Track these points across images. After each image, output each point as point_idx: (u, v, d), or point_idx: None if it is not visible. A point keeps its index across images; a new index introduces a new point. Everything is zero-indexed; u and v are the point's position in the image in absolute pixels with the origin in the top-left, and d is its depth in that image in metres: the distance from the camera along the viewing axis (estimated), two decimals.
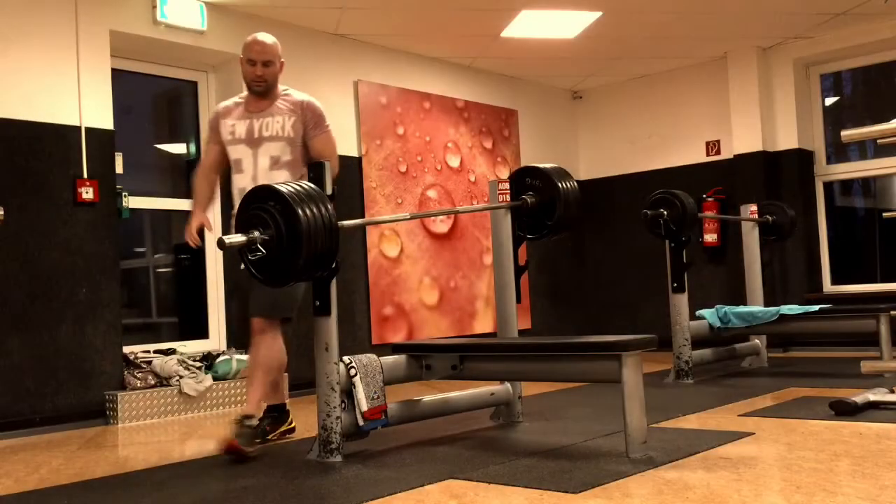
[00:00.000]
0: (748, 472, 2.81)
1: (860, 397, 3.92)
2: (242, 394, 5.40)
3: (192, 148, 6.06)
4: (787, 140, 7.39)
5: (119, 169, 5.20)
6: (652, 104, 8.18)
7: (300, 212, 3.00)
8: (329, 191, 3.35)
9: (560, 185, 4.12)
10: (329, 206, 3.11)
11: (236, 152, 3.88)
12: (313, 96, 6.50)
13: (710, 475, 2.79)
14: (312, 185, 3.17)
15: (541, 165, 4.25)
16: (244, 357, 5.56)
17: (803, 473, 2.76)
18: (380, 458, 3.40)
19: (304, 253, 3.00)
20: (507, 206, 4.16)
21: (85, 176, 4.99)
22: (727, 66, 7.57)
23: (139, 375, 5.05)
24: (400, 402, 3.76)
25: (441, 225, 7.07)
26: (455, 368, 3.75)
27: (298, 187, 3.11)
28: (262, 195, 3.11)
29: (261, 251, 3.04)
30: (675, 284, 5.55)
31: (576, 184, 4.22)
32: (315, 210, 3.04)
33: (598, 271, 8.50)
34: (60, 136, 4.93)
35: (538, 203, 4.17)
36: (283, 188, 3.07)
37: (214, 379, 5.25)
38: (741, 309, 5.90)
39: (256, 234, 3.05)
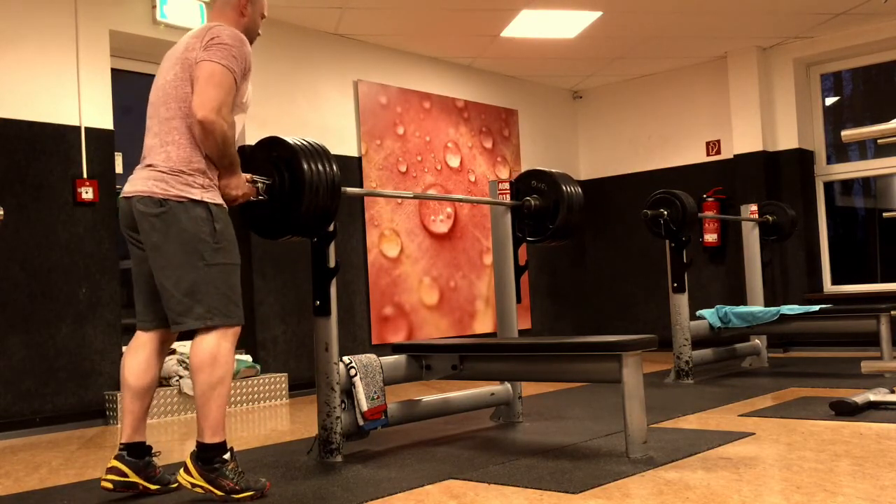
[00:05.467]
0: (748, 473, 2.81)
1: (860, 397, 3.92)
2: (242, 394, 5.40)
3: None
4: (787, 140, 7.39)
5: (119, 169, 5.20)
6: (652, 104, 8.18)
7: (304, 163, 3.03)
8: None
9: (565, 188, 4.14)
10: (334, 165, 3.13)
11: (241, 120, 3.07)
12: (313, 96, 6.54)
13: (710, 475, 2.79)
14: (319, 143, 3.21)
15: (547, 169, 4.27)
16: (244, 357, 5.57)
17: (803, 473, 2.76)
18: (380, 458, 3.40)
19: (305, 202, 3.01)
20: (509, 204, 4.17)
21: (85, 176, 4.99)
22: (727, 66, 7.57)
23: None
24: (400, 402, 3.76)
25: (441, 225, 7.07)
26: (455, 368, 3.75)
27: (305, 141, 3.15)
28: (268, 145, 3.15)
29: (262, 196, 3.03)
30: (675, 284, 5.55)
31: (580, 190, 4.23)
32: (320, 165, 3.07)
33: (599, 271, 8.50)
34: (60, 136, 4.93)
35: (542, 206, 4.19)
36: (290, 139, 3.11)
37: None
38: (741, 309, 5.90)
39: (261, 177, 3.04)
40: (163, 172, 2.82)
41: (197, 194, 2.81)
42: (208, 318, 2.79)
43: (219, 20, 2.99)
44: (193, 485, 2.76)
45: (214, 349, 2.78)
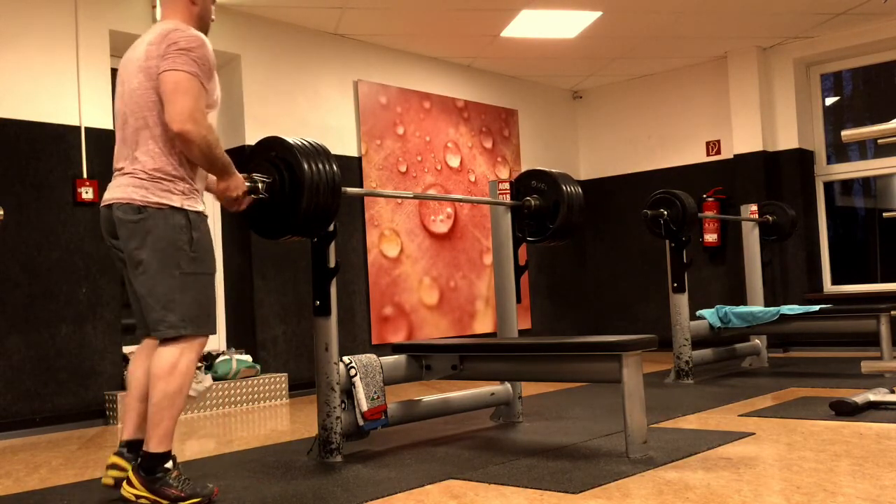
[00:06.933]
0: (748, 473, 2.81)
1: (860, 397, 3.92)
2: (242, 394, 5.41)
3: None
4: (787, 140, 7.39)
5: None
6: (652, 104, 8.18)
7: (304, 162, 3.04)
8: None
9: (565, 188, 4.14)
10: (334, 165, 3.14)
11: (212, 117, 2.96)
12: (313, 96, 6.54)
13: (710, 475, 2.79)
14: (319, 143, 3.21)
15: (547, 169, 4.28)
16: (244, 357, 5.57)
17: (803, 474, 2.76)
18: (380, 458, 3.40)
19: (305, 202, 3.02)
20: (509, 203, 4.17)
21: (85, 176, 4.99)
22: (727, 66, 7.57)
23: None
24: (400, 402, 3.76)
25: (441, 225, 7.07)
26: (455, 368, 3.75)
27: (305, 140, 3.15)
28: (268, 145, 3.15)
29: (263, 195, 3.03)
30: (675, 284, 5.55)
31: (580, 190, 4.23)
32: (320, 165, 3.07)
33: (598, 271, 8.50)
34: (60, 136, 4.93)
35: (542, 206, 4.19)
36: (290, 139, 3.12)
37: (214, 379, 5.25)
38: (741, 309, 5.90)
39: (261, 176, 3.03)
40: (142, 179, 2.79)
41: (177, 201, 2.78)
42: (181, 327, 2.76)
43: (171, 14, 2.95)
44: (137, 496, 2.70)
45: (175, 359, 2.75)
